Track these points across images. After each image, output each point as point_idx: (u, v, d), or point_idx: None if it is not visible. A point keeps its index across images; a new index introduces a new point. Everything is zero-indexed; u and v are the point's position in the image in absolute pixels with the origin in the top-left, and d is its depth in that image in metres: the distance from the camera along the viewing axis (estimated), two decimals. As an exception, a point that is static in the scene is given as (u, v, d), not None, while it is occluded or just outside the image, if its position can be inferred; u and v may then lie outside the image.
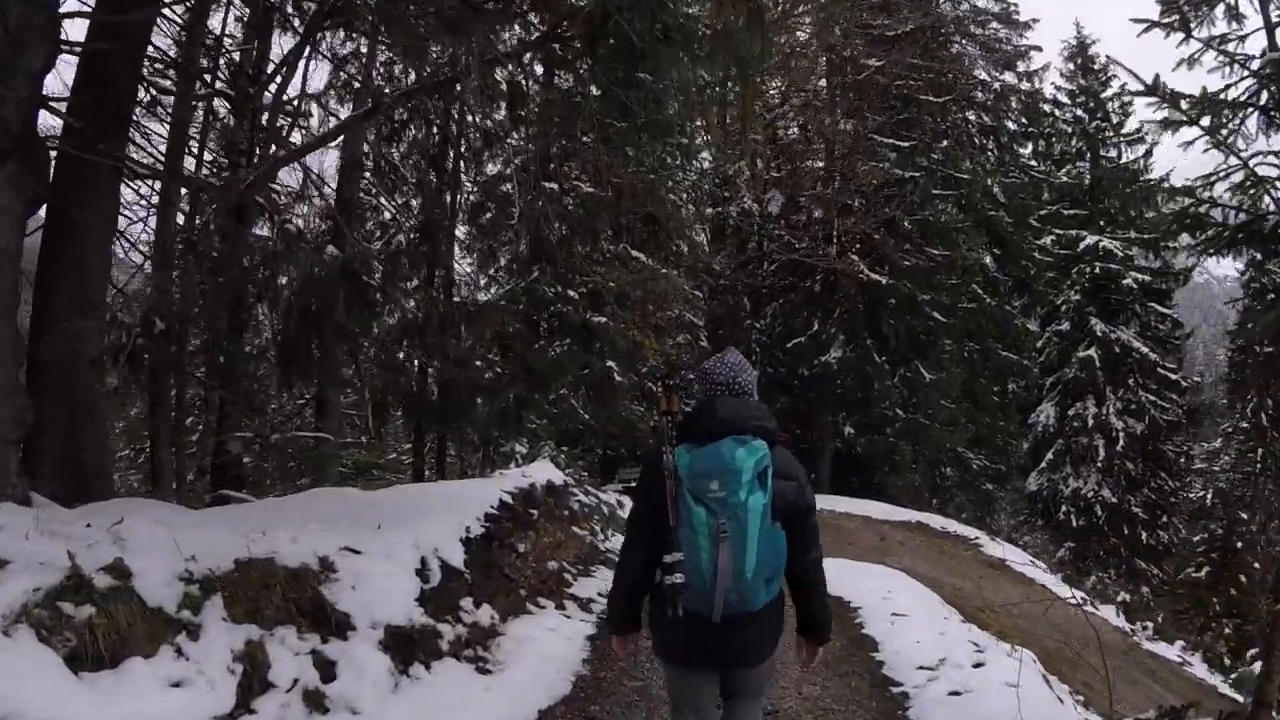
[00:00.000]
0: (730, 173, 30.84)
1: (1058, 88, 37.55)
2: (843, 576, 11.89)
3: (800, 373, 29.36)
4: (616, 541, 13.14)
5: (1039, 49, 35.79)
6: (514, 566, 9.95)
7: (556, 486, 13.92)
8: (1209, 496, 31.44)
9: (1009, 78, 35.29)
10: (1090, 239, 34.52)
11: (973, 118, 32.92)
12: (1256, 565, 25.36)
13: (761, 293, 31.46)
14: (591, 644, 8.74)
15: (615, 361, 20.56)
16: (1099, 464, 33.00)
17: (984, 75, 33.85)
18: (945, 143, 28.06)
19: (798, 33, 28.81)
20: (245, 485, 14.21)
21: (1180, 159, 43.65)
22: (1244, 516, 27.81)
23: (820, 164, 29.03)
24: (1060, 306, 35.11)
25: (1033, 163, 36.27)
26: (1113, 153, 36.46)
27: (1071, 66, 37.22)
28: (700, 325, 26.07)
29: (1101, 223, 35.55)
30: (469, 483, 12.15)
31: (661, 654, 3.73)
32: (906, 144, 26.37)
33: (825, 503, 23.23)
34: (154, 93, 11.52)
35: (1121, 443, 33.05)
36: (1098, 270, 34.22)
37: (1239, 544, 25.97)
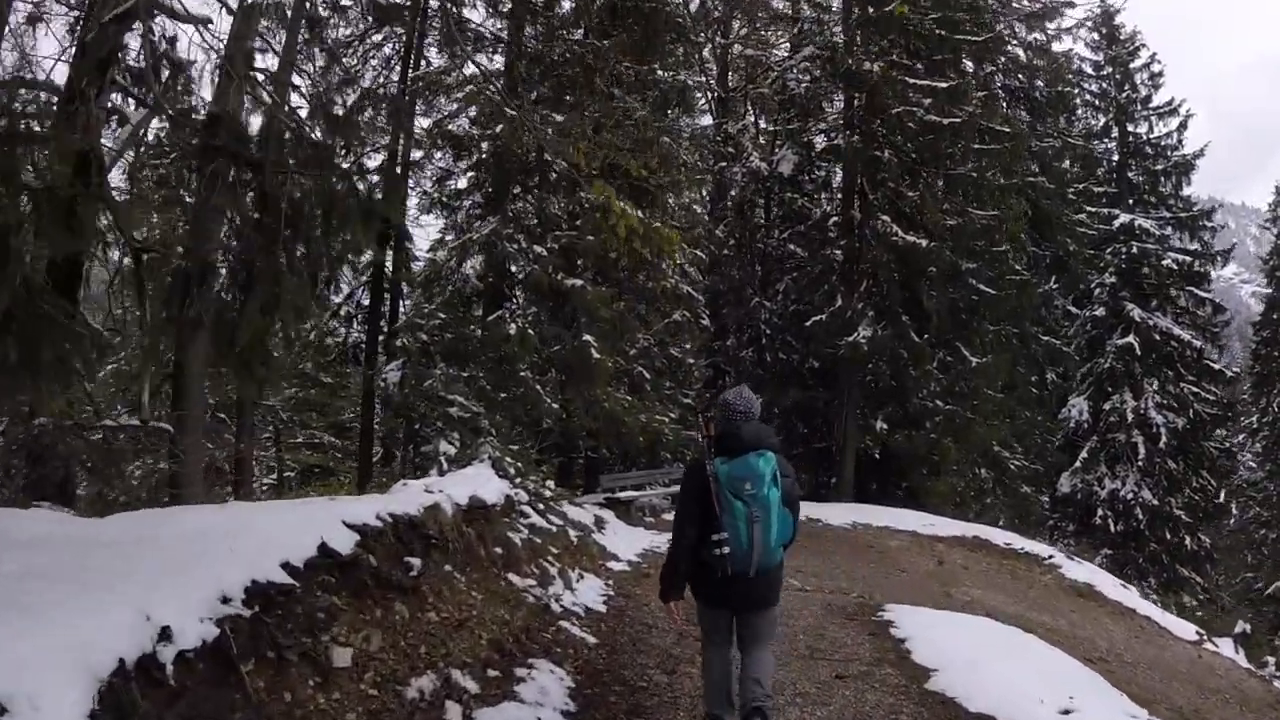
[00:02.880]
0: (733, 131, 24.96)
1: (1082, 59, 32.82)
2: (934, 641, 7.51)
3: (816, 360, 23.66)
4: (588, 586, 9.08)
5: (1072, 4, 30.21)
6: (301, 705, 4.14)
7: (490, 506, 8.08)
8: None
9: (1039, 36, 29.65)
10: (1124, 217, 29.99)
11: (1001, 80, 27.15)
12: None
13: (771, 264, 25.53)
14: None
15: (594, 336, 14.61)
16: (1139, 463, 28.34)
17: (1019, 29, 28.25)
18: (983, 93, 22.20)
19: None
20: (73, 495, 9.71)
21: (1216, 132, 38.02)
22: None
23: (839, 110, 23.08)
24: (1094, 289, 30.36)
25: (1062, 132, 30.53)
26: (1142, 127, 31.70)
27: (1097, 36, 32.47)
28: (700, 300, 20.21)
29: (1130, 201, 30.98)
30: (294, 506, 6.17)
31: (705, 601, 4.80)
32: (945, 84, 20.41)
33: (856, 515, 18.54)
34: None
35: (1164, 439, 28.42)
36: (1134, 250, 29.67)
37: None
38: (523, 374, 14.03)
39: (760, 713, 4.63)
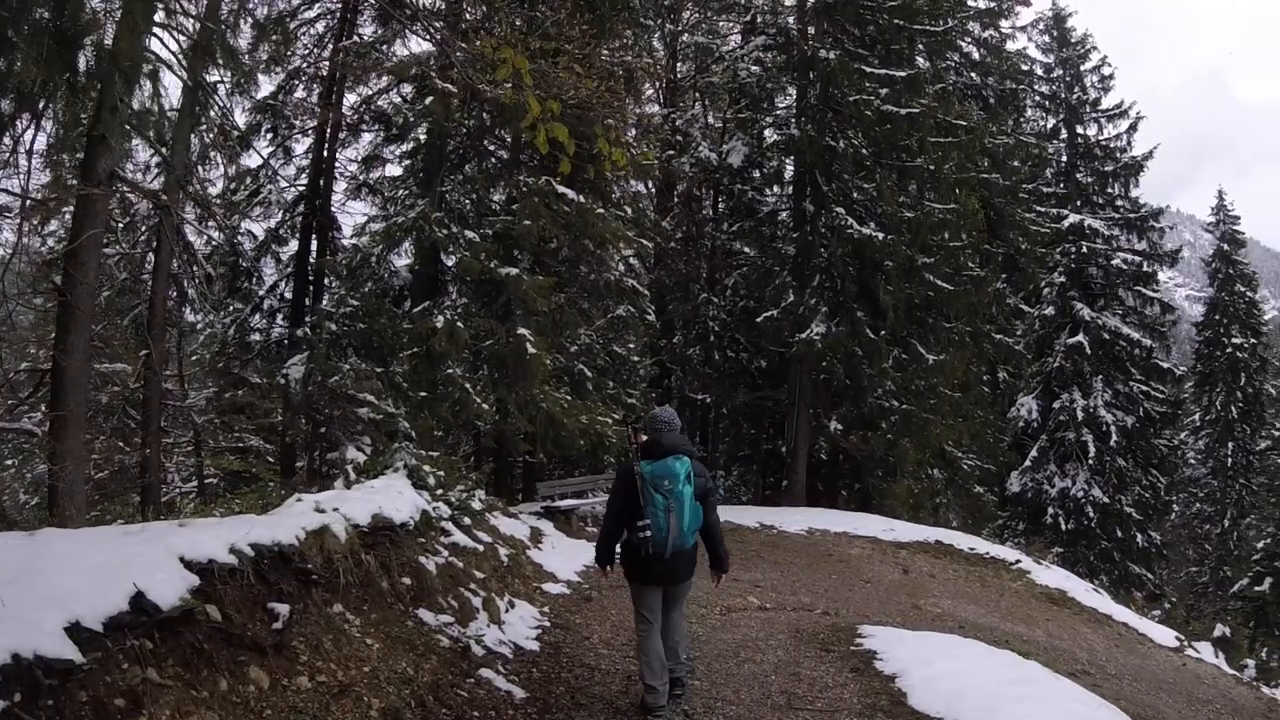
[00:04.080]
0: (682, 121, 23.65)
1: (1034, 60, 32.45)
2: (933, 681, 6.25)
3: (766, 358, 22.55)
4: (519, 617, 7.76)
5: (1027, 3, 29.88)
6: None
7: (399, 527, 6.61)
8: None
9: (993, 34, 29.30)
10: (1073, 217, 29.45)
11: (955, 77, 26.42)
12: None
13: (720, 258, 24.30)
14: None
15: (531, 330, 13.10)
16: (1089, 461, 27.86)
17: (973, 26, 27.65)
18: (939, 86, 21.21)
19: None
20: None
21: (1167, 131, 38.07)
22: None
23: (791, 100, 21.91)
24: (1043, 289, 29.89)
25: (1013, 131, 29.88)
26: (1092, 129, 31.29)
27: (1048, 39, 32.12)
28: (645, 295, 18.81)
29: (1079, 201, 30.55)
30: (118, 537, 4.56)
31: (633, 578, 5.67)
32: (903, 73, 19.28)
33: (812, 520, 17.24)
34: None
35: (1113, 437, 27.97)
36: (1083, 250, 29.18)
37: None
38: (450, 371, 12.53)
39: (679, 682, 5.84)
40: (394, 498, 7.11)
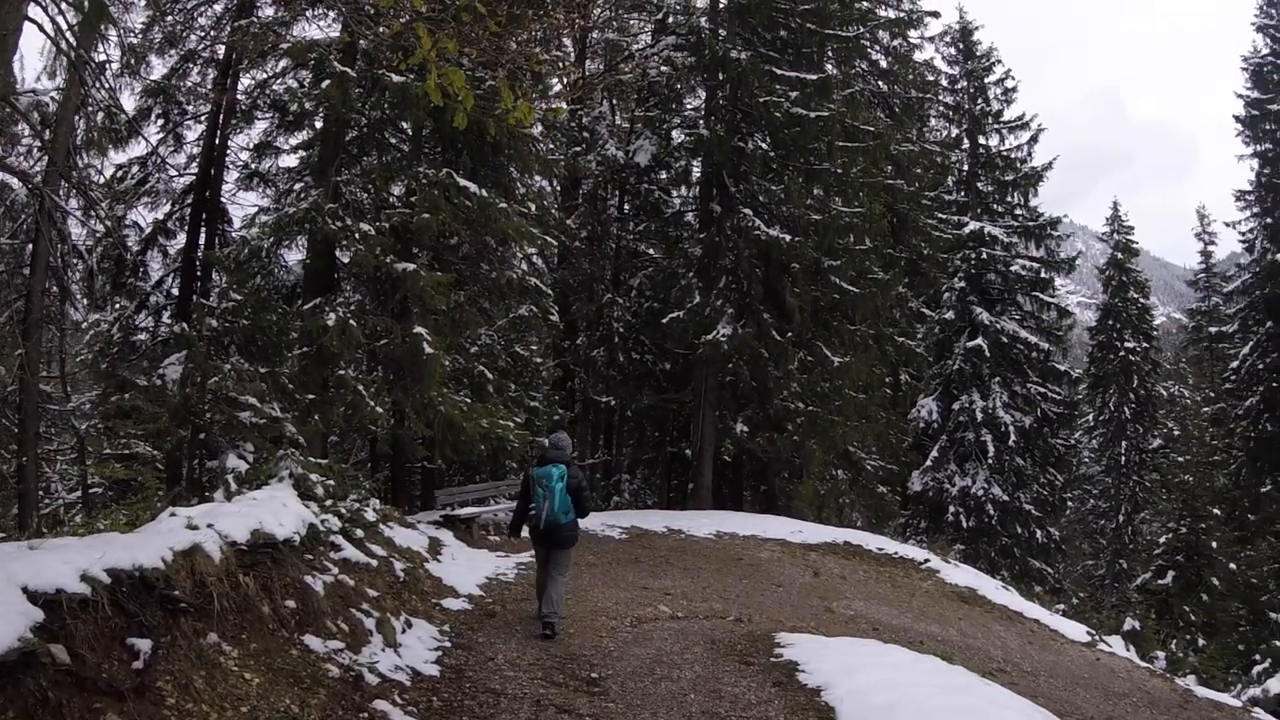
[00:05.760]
0: (588, 119, 23.31)
1: (939, 72, 33.16)
2: (862, 694, 6.06)
3: (672, 361, 22.36)
4: (417, 638, 7.34)
5: (936, 14, 30.63)
6: None
7: (282, 543, 6.08)
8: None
9: (901, 43, 30.29)
10: (974, 224, 30.19)
11: (862, 84, 26.79)
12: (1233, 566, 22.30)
13: (625, 258, 24.11)
14: None
15: (429, 329, 12.56)
16: (988, 460, 28.71)
17: (882, 35, 28.14)
18: (848, 91, 21.40)
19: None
20: None
21: (1064, 146, 39.60)
22: (1217, 513, 24.53)
23: (700, 100, 21.81)
24: (944, 293, 30.64)
25: (918, 139, 30.65)
26: (994, 140, 31.90)
27: (954, 51, 32.67)
28: (549, 294, 18.42)
29: (979, 209, 31.15)
30: None
31: (534, 540, 8.42)
32: (813, 76, 19.35)
33: (719, 524, 16.96)
34: None
35: (1012, 437, 28.83)
36: (983, 256, 30.01)
37: (1213, 544, 22.50)
38: (343, 372, 11.89)
39: (549, 625, 8.06)
40: (277, 510, 6.58)
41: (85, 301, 16.18)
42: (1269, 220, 29.72)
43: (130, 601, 4.15)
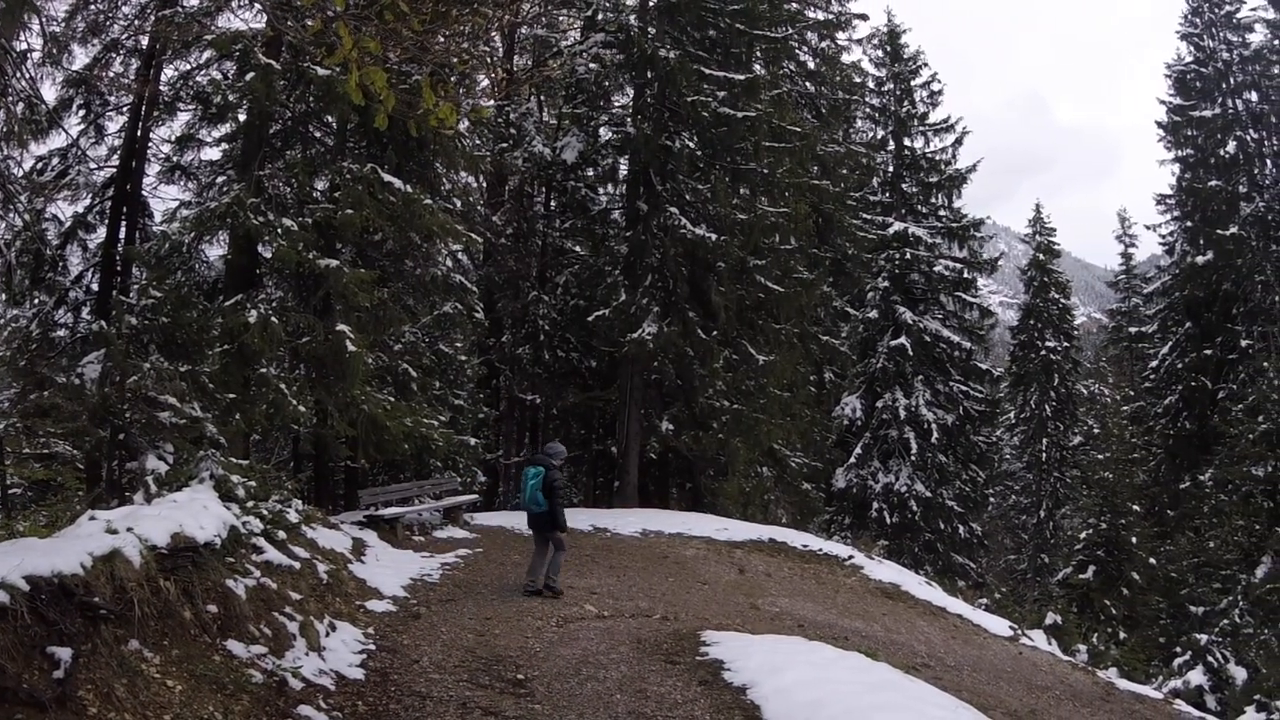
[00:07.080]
0: (515, 115, 23.25)
1: (866, 74, 33.85)
2: (787, 692, 6.20)
3: (597, 358, 22.58)
4: (341, 641, 7.30)
5: (865, 17, 31.34)
6: None
7: (203, 546, 6.10)
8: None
9: (829, 45, 30.96)
10: (898, 225, 30.86)
11: (790, 85, 27.18)
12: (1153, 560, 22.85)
13: (551, 256, 24.11)
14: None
15: (351, 326, 12.49)
16: (911, 457, 29.40)
17: (811, 36, 28.59)
18: (776, 91, 21.76)
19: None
20: None
21: (989, 148, 40.63)
22: (1136, 509, 24.89)
23: (628, 98, 21.97)
24: (868, 293, 31.24)
25: (844, 140, 31.31)
26: (919, 142, 32.59)
27: (881, 53, 33.29)
28: (474, 292, 18.39)
29: (903, 210, 31.87)
30: None
31: (528, 524, 11.14)
32: (741, 76, 19.66)
33: (646, 522, 17.25)
34: None
35: (934, 435, 29.49)
36: (907, 257, 30.68)
37: (1133, 539, 22.90)
38: (264, 370, 11.76)
39: (537, 589, 10.46)
40: (198, 513, 6.54)
41: (3, 296, 15.81)
42: (1189, 224, 31.05)
43: (50, 609, 4.14)
